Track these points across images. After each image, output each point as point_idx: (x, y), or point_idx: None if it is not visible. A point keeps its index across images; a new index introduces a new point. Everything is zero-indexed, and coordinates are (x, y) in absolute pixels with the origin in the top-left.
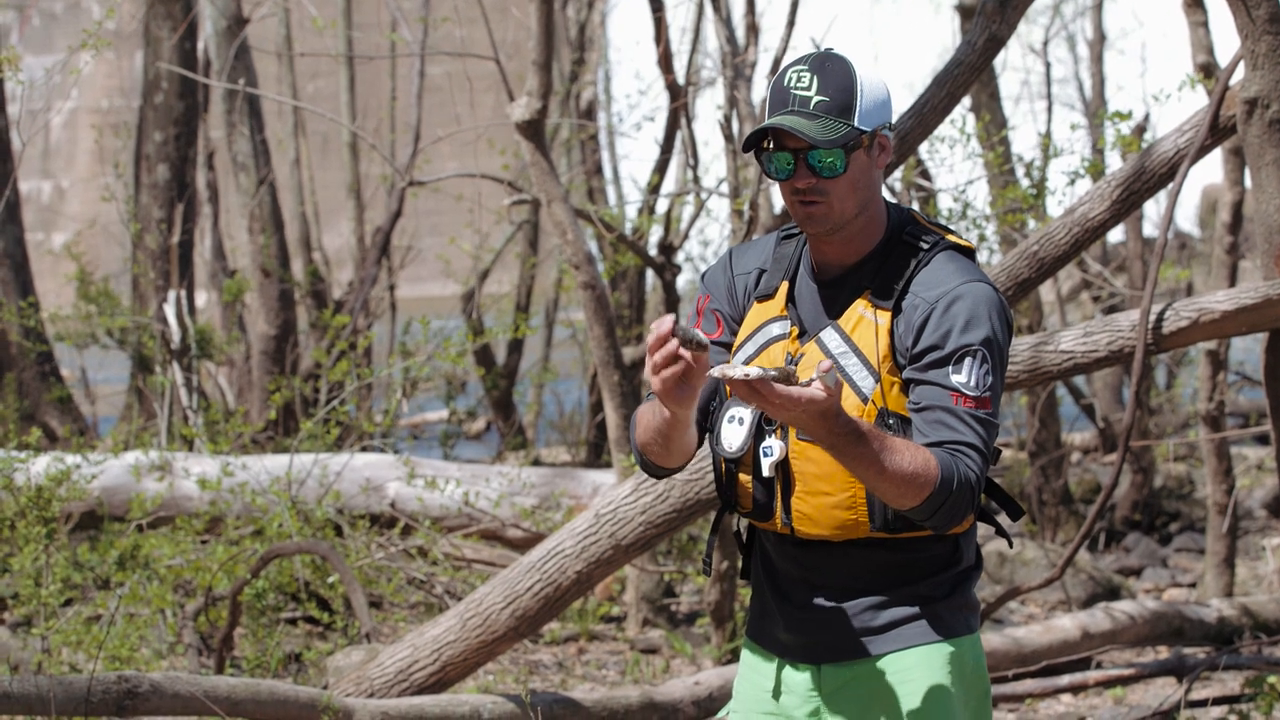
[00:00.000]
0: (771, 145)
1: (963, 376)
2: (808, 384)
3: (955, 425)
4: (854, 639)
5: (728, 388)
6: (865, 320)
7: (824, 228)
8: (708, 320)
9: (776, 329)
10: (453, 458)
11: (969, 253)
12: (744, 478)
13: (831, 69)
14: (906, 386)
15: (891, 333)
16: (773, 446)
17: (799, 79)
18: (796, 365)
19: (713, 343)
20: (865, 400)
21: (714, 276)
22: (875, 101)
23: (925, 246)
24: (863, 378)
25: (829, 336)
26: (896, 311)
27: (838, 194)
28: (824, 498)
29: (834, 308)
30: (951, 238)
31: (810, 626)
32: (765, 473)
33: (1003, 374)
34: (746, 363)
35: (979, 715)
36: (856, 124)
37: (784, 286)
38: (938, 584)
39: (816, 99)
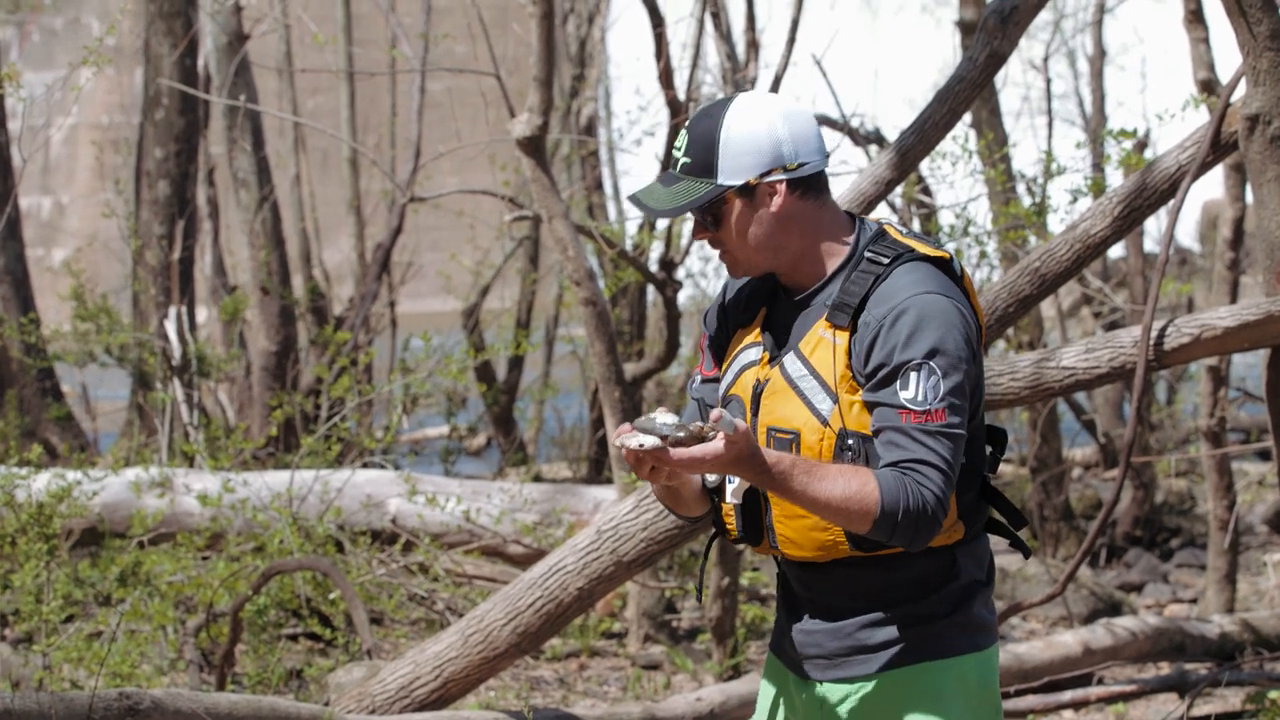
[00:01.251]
0: None
1: (909, 392)
2: (713, 435)
3: (905, 444)
4: (852, 657)
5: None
6: (824, 341)
7: (738, 273)
8: (706, 358)
9: (751, 354)
10: (454, 474)
11: (941, 262)
12: (726, 505)
13: (701, 126)
14: (869, 408)
15: (850, 352)
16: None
17: (680, 137)
18: (764, 389)
19: (711, 380)
20: (824, 423)
21: (711, 312)
22: (744, 152)
23: (885, 261)
24: (820, 400)
25: (790, 361)
26: (854, 330)
27: (730, 244)
28: (800, 520)
29: (800, 330)
30: (923, 248)
31: (815, 642)
32: (731, 499)
33: (962, 381)
34: (727, 390)
35: None
36: (720, 181)
37: (762, 312)
38: (937, 602)
39: (683, 160)
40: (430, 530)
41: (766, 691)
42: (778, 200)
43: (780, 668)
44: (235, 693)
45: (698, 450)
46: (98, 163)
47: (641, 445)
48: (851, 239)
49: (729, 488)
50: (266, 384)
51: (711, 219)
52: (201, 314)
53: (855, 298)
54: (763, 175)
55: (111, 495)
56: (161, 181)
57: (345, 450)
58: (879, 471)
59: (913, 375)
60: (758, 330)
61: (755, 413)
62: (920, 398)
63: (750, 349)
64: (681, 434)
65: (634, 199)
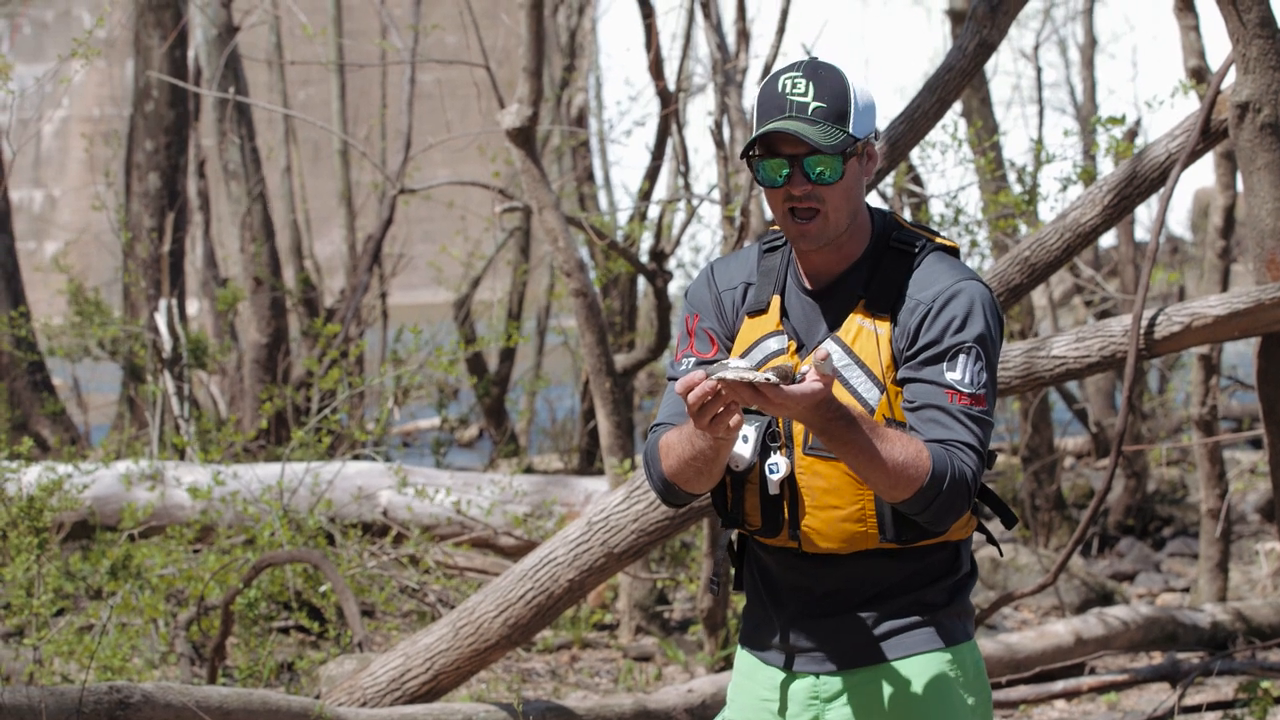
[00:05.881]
0: (758, 152)
1: (957, 374)
2: (804, 376)
3: (949, 423)
4: (855, 647)
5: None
6: (865, 331)
7: (817, 243)
8: (700, 340)
9: (774, 344)
10: (445, 465)
11: (955, 252)
12: (750, 495)
13: (826, 76)
14: (904, 383)
15: (892, 342)
16: (779, 464)
17: (794, 85)
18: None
19: (709, 361)
20: (871, 412)
21: (699, 294)
22: (867, 109)
23: (915, 250)
24: (867, 389)
25: (830, 349)
26: (895, 320)
27: (833, 203)
28: (833, 511)
29: (828, 318)
30: (936, 238)
31: (809, 635)
32: (771, 490)
33: (995, 372)
34: None
35: None
36: (852, 131)
37: (776, 300)
38: (938, 591)
39: (814, 105)
40: (421, 522)
41: (744, 689)
42: (871, 166)
43: (757, 664)
44: (226, 686)
45: (795, 391)
46: (88, 155)
47: (769, 379)
48: (869, 222)
49: (772, 478)
50: (257, 376)
51: (831, 171)
52: (192, 306)
53: (894, 286)
54: (871, 136)
55: (102, 488)
56: (152, 174)
57: (336, 442)
58: (928, 443)
59: (961, 358)
60: (777, 319)
61: None
62: (967, 380)
63: (771, 338)
64: (773, 376)
65: (791, 131)
